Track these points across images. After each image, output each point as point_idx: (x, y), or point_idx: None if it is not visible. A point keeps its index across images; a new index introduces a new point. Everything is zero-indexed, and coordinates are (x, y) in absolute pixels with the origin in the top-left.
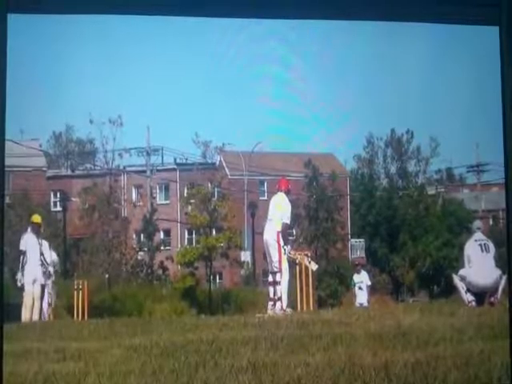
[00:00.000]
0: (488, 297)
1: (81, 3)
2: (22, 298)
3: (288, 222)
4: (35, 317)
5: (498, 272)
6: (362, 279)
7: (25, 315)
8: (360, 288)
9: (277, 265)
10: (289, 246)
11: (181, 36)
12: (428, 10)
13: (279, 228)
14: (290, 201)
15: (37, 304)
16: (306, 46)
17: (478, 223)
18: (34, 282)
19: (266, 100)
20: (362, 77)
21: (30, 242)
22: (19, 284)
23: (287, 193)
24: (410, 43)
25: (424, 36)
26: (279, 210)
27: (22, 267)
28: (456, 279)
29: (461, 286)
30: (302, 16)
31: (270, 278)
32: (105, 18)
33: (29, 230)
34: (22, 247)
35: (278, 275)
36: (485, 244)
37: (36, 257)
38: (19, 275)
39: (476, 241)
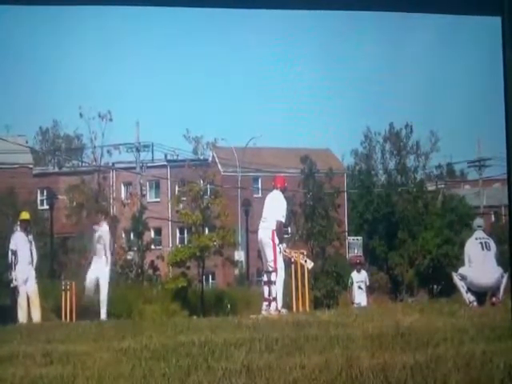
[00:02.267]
0: (489, 296)
1: None
2: (9, 299)
3: (283, 220)
4: (24, 318)
5: (500, 271)
6: (362, 278)
7: (22, 316)
8: (360, 287)
9: (272, 264)
10: (284, 245)
11: (172, 30)
12: (430, 0)
13: (274, 226)
14: (285, 198)
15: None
16: (301, 39)
17: (478, 221)
18: (26, 281)
19: (261, 94)
20: (359, 70)
21: (20, 241)
22: (13, 285)
23: (283, 190)
24: (410, 36)
25: (425, 29)
26: (274, 207)
27: (14, 267)
28: (456, 278)
29: (461, 286)
30: (298, 7)
31: (265, 278)
32: (95, 11)
33: (18, 228)
34: (12, 247)
35: (272, 275)
36: (485, 242)
37: (27, 255)
38: (13, 275)
39: (477, 239)
